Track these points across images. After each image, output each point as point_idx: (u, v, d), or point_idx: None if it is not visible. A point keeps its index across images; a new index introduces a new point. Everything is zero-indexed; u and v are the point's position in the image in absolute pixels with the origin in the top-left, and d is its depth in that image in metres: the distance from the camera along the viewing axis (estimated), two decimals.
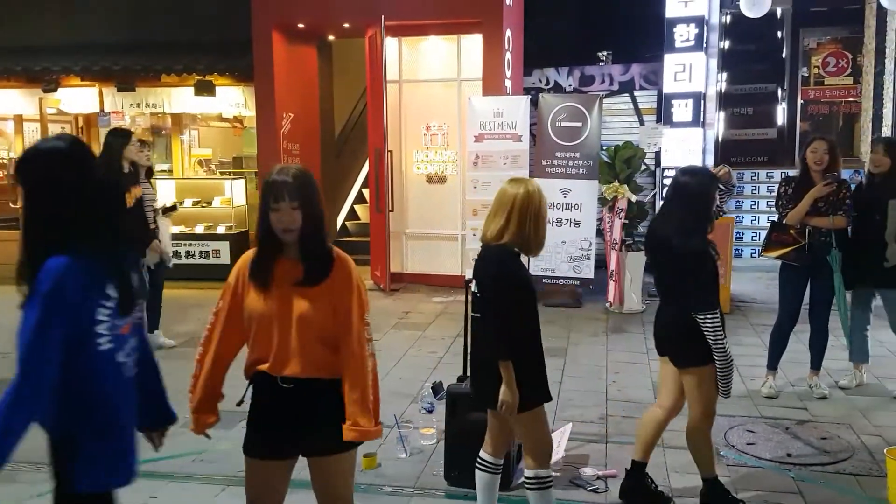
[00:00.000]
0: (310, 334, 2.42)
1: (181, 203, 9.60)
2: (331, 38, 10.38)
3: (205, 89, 9.33)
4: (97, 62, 9.60)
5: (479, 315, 3.05)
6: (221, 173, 10.49)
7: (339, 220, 11.43)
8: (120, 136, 5.92)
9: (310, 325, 2.42)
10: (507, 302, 2.92)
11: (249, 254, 2.54)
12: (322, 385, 2.46)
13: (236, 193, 9.59)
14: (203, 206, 9.58)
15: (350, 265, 2.50)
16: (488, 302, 2.97)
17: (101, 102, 10.03)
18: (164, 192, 9.74)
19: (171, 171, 10.53)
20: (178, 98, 9.86)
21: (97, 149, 10.53)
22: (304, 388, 2.45)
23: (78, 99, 10.10)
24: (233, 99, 9.81)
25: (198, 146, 10.97)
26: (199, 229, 9.47)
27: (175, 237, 9.42)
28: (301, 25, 9.15)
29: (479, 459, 3.29)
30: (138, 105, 10.00)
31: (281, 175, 2.40)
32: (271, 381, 2.47)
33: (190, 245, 9.41)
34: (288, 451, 2.55)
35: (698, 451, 3.54)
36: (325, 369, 2.46)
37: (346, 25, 9.04)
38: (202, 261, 9.36)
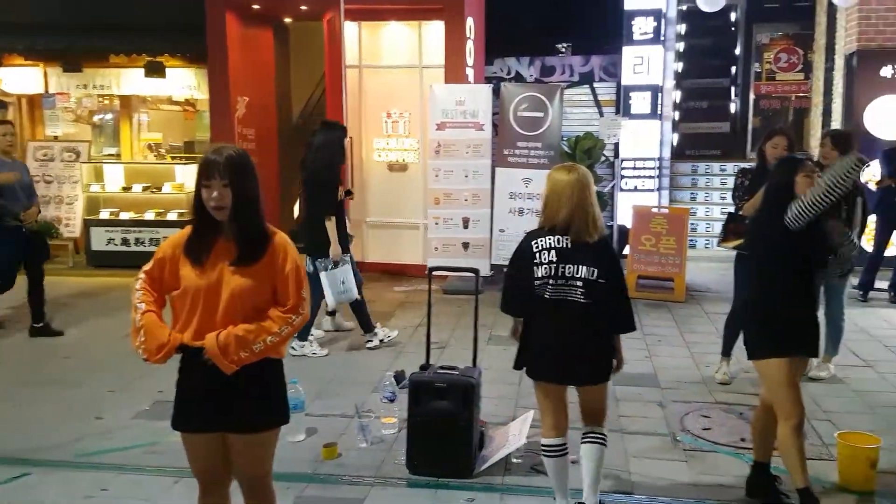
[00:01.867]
0: (237, 313, 2.49)
1: (129, 188, 9.36)
2: (287, 20, 10.18)
3: (155, 70, 9.05)
4: (41, 41, 9.22)
5: (591, 301, 3.15)
6: (172, 158, 10.20)
7: (297, 208, 11.23)
8: (340, 129, 5.86)
9: (240, 304, 2.49)
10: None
11: (189, 229, 2.60)
12: (259, 360, 2.52)
13: (188, 179, 9.32)
14: (153, 192, 9.31)
15: (288, 243, 2.57)
16: (614, 288, 3.19)
17: (46, 83, 9.66)
18: (114, 177, 9.48)
19: (119, 156, 10.20)
20: (128, 79, 9.55)
21: (41, 132, 10.19)
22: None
23: (21, 79, 9.70)
24: (184, 81, 9.54)
25: (147, 130, 10.64)
26: (149, 216, 9.21)
27: (123, 224, 9.18)
28: (256, 7, 8.95)
29: (550, 448, 3.26)
30: (85, 86, 9.67)
31: (214, 154, 2.49)
32: (193, 352, 2.49)
33: (140, 232, 9.13)
34: (212, 424, 2.56)
35: (783, 456, 3.40)
36: None
37: (304, 8, 8.87)
38: (152, 248, 9.03)
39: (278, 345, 2.53)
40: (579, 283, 3.14)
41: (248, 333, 2.46)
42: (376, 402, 4.57)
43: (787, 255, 3.31)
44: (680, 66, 10.94)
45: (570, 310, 3.15)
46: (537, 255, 3.17)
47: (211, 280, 2.48)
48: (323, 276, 5.59)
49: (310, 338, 5.88)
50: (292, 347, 5.84)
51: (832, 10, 9.95)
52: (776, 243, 3.31)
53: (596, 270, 3.14)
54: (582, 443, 3.32)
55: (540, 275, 3.16)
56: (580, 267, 3.13)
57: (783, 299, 3.32)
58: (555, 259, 3.14)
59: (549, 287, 3.16)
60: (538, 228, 3.25)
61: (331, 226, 5.57)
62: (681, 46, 11.14)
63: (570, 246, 3.15)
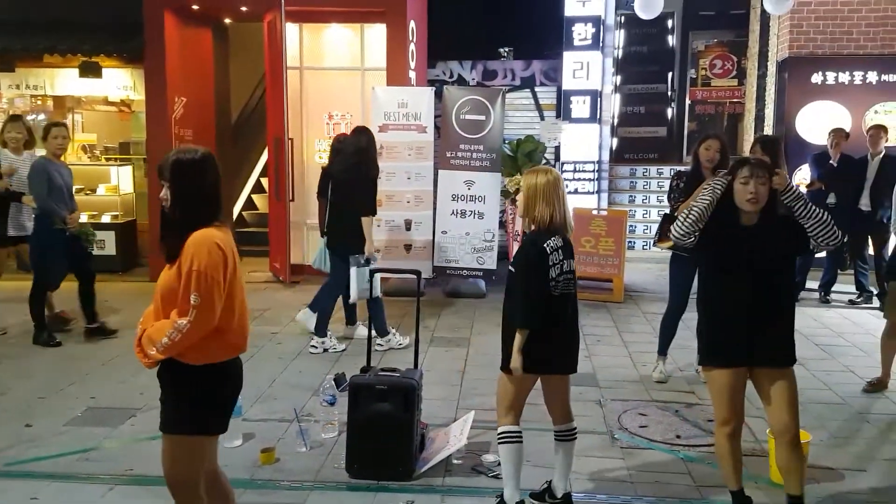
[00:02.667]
0: (163, 311, 2.59)
1: None
2: (227, 21, 10.03)
3: (90, 71, 8.81)
4: None
5: (575, 290, 3.44)
6: (107, 159, 9.93)
7: (236, 210, 11.07)
8: (371, 134, 6.10)
9: (163, 303, 2.59)
10: None
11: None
12: (167, 361, 2.59)
13: (123, 180, 9.11)
14: (87, 194, 9.04)
15: (196, 246, 2.51)
16: None
17: None
18: None
19: None
20: (62, 80, 9.29)
21: None
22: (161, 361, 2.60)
23: None
24: (120, 81, 9.32)
25: (81, 131, 10.33)
26: (83, 218, 8.88)
27: None
28: (195, 7, 8.79)
29: (512, 434, 3.36)
30: (17, 86, 9.40)
31: (170, 154, 2.61)
32: None
33: None
34: None
35: (718, 459, 3.44)
36: None
37: (244, 9, 8.75)
38: None
39: (176, 347, 2.50)
40: (571, 276, 3.38)
41: (154, 332, 2.54)
42: (316, 406, 4.54)
43: (715, 257, 3.28)
44: (618, 72, 11.17)
45: (571, 302, 3.39)
46: (551, 256, 3.28)
47: (158, 278, 2.64)
48: (353, 271, 5.70)
49: (391, 329, 6.07)
50: (378, 344, 5.91)
51: (765, 18, 10.32)
52: (702, 245, 3.28)
53: (573, 262, 3.42)
54: (562, 440, 3.47)
55: (553, 275, 3.29)
56: (571, 261, 3.39)
57: (720, 305, 3.27)
58: (562, 257, 3.32)
59: (560, 284, 3.32)
60: (539, 231, 3.34)
61: (368, 223, 5.81)
62: (619, 53, 11.38)
63: (564, 243, 3.36)
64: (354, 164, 5.83)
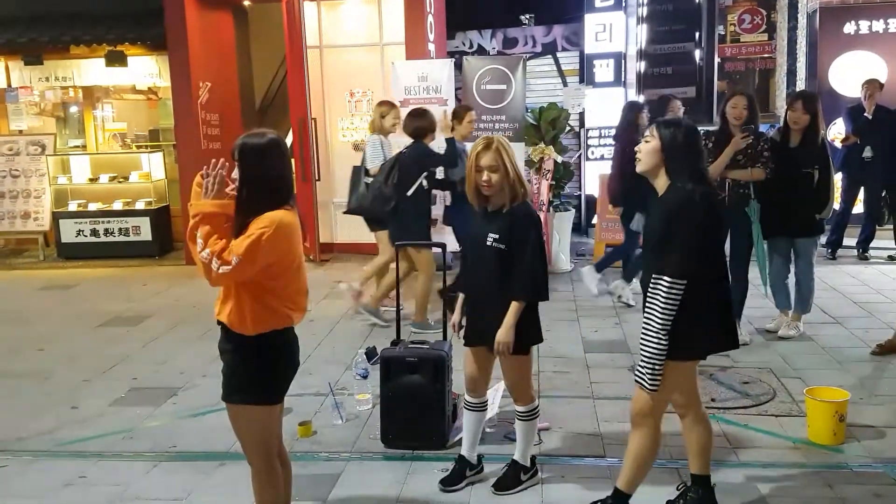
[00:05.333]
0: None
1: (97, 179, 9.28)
2: (246, 3, 10.05)
3: (116, 60, 8.94)
4: (3, 35, 9.06)
5: None
6: (138, 147, 10.11)
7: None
8: (632, 108, 6.85)
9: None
10: None
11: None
12: (226, 332, 2.68)
13: (154, 167, 9.26)
14: (120, 182, 9.24)
15: (263, 218, 2.56)
16: None
17: (8, 77, 9.57)
18: (81, 168, 9.39)
19: (84, 147, 10.09)
20: (89, 70, 9.43)
21: (6, 126, 10.01)
22: (222, 328, 2.71)
23: None
24: (146, 69, 9.43)
25: (112, 120, 10.51)
26: (118, 206, 9.13)
27: (92, 215, 9.11)
28: None
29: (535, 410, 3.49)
30: (47, 79, 9.58)
31: (240, 137, 2.71)
32: None
33: (109, 222, 9.06)
34: None
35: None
36: (230, 316, 2.64)
37: None
38: (122, 238, 9.03)
39: (206, 260, 2.54)
40: None
41: (213, 241, 2.56)
42: (350, 380, 4.62)
43: None
44: (643, 32, 10.94)
45: None
46: None
47: (193, 261, 2.77)
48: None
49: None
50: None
51: None
52: None
53: None
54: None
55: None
56: None
57: None
58: None
59: None
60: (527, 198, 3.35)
61: None
62: (643, 12, 11.12)
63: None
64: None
